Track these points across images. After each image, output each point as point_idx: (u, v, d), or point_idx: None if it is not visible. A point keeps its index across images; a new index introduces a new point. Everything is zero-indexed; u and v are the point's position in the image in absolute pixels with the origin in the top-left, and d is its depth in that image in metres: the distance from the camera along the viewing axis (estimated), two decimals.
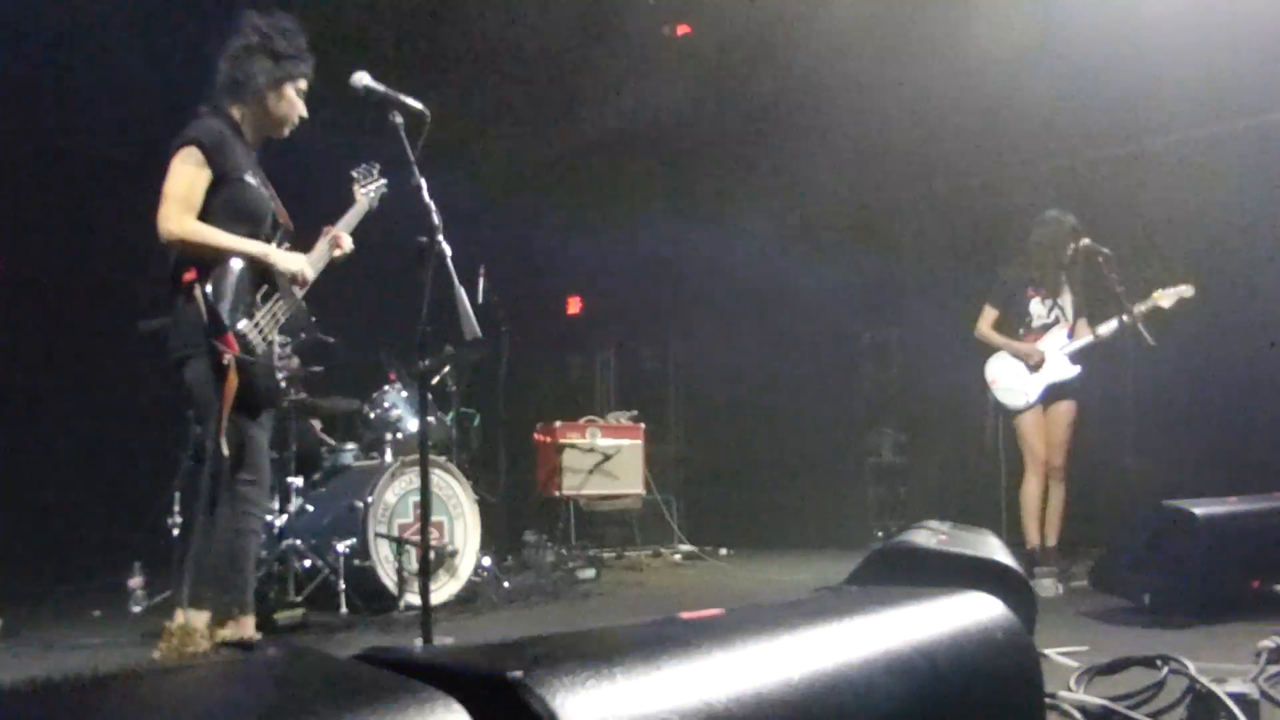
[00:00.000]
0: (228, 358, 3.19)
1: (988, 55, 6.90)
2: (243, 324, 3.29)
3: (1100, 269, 5.11)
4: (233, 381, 3.18)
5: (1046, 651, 3.05)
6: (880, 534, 7.74)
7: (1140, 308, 5.13)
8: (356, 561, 4.92)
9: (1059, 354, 5.33)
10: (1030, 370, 5.35)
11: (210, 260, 3.27)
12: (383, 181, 3.86)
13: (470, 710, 0.79)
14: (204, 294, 3.21)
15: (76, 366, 6.72)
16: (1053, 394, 5.34)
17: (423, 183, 3.20)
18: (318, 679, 0.82)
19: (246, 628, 3.30)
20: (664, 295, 9.47)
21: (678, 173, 8.88)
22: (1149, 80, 6.58)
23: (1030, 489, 5.37)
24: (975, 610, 1.53)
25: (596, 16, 7.36)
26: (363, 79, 3.27)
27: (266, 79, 3.42)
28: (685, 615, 1.41)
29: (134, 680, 0.83)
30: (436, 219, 3.17)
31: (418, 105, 3.30)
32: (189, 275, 3.22)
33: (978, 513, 5.54)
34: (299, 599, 4.81)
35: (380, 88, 3.28)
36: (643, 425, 7.42)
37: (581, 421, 7.19)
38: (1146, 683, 2.43)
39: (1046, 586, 4.89)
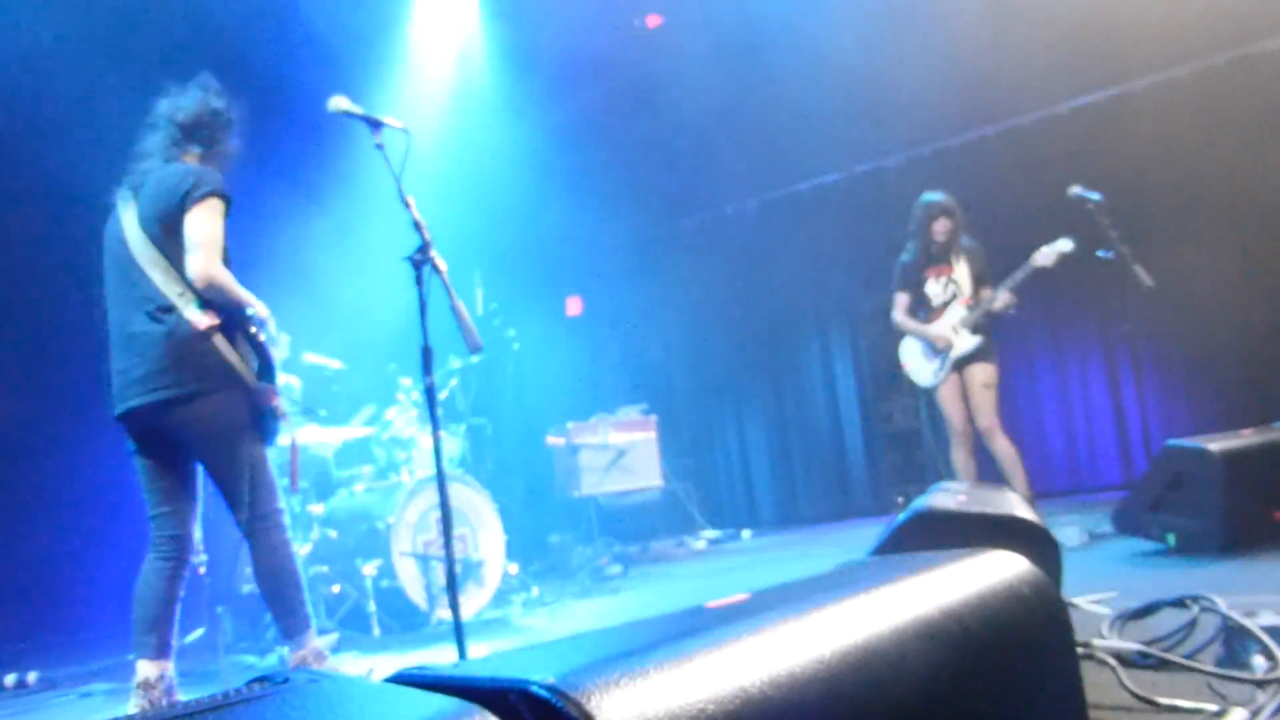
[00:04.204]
0: (280, 406, 3.43)
1: (958, 15, 6.89)
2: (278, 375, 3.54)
3: (1092, 215, 5.12)
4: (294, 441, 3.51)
5: (1076, 600, 3.05)
6: (900, 500, 7.74)
7: (1020, 275, 5.35)
8: (384, 582, 4.94)
9: (959, 328, 5.57)
10: (937, 350, 5.63)
11: (232, 307, 3.39)
12: None
13: None
14: (260, 341, 3.43)
15: (86, 408, 6.73)
16: (962, 363, 5.60)
17: (411, 200, 3.20)
18: (353, 704, 0.83)
19: (312, 637, 3.48)
20: (662, 284, 9.46)
21: (665, 157, 8.85)
22: (1125, 22, 6.55)
23: (957, 457, 5.68)
24: (1000, 568, 1.54)
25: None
26: (340, 103, 3.27)
27: (234, 153, 3.65)
28: (712, 603, 1.42)
29: None
30: (428, 234, 3.17)
31: (398, 124, 3.31)
32: (212, 319, 3.31)
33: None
34: (331, 625, 4.83)
35: (358, 110, 3.28)
36: (654, 417, 7.42)
37: (593, 420, 7.19)
38: (1179, 623, 2.44)
39: (1070, 535, 4.88)
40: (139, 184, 3.47)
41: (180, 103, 3.55)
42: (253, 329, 3.44)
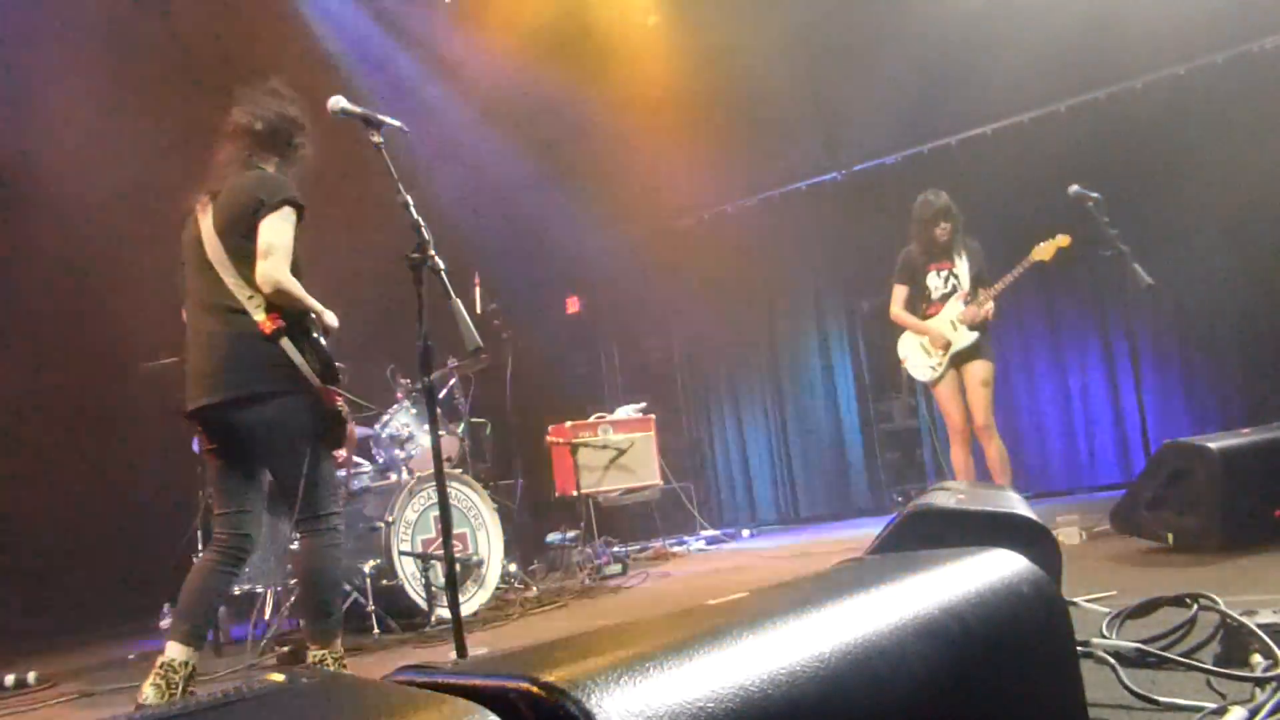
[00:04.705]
0: (344, 407, 3.55)
1: (957, 13, 6.89)
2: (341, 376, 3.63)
3: (1091, 213, 5.13)
4: (353, 430, 3.48)
5: (1076, 599, 3.05)
6: (899, 499, 7.75)
7: (1019, 269, 5.39)
8: (384, 581, 4.94)
9: (957, 323, 5.55)
10: (935, 346, 5.61)
11: (297, 313, 3.48)
12: None
13: None
14: (322, 345, 3.53)
15: (92, 409, 6.73)
16: (961, 359, 5.58)
17: (409, 199, 3.20)
18: (352, 703, 0.83)
19: (338, 645, 3.55)
20: (662, 282, 9.47)
21: (666, 155, 8.86)
22: (1124, 20, 6.56)
23: (954, 455, 5.66)
24: (999, 567, 1.54)
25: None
26: (339, 102, 3.27)
27: (310, 158, 3.72)
28: (712, 602, 1.42)
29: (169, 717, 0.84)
30: (426, 234, 3.17)
31: (396, 122, 3.32)
32: (277, 322, 3.40)
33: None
34: None
35: (357, 109, 3.28)
36: (653, 416, 7.42)
37: (592, 419, 7.19)
38: (1178, 621, 2.43)
39: (1070, 534, 4.89)
40: (217, 190, 3.55)
41: (256, 111, 3.61)
42: (315, 333, 3.53)
